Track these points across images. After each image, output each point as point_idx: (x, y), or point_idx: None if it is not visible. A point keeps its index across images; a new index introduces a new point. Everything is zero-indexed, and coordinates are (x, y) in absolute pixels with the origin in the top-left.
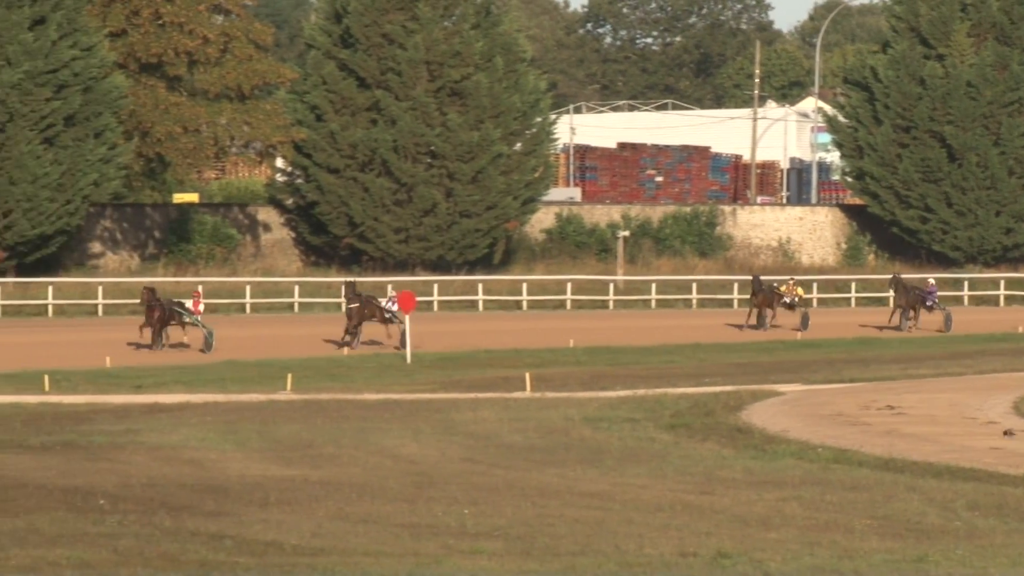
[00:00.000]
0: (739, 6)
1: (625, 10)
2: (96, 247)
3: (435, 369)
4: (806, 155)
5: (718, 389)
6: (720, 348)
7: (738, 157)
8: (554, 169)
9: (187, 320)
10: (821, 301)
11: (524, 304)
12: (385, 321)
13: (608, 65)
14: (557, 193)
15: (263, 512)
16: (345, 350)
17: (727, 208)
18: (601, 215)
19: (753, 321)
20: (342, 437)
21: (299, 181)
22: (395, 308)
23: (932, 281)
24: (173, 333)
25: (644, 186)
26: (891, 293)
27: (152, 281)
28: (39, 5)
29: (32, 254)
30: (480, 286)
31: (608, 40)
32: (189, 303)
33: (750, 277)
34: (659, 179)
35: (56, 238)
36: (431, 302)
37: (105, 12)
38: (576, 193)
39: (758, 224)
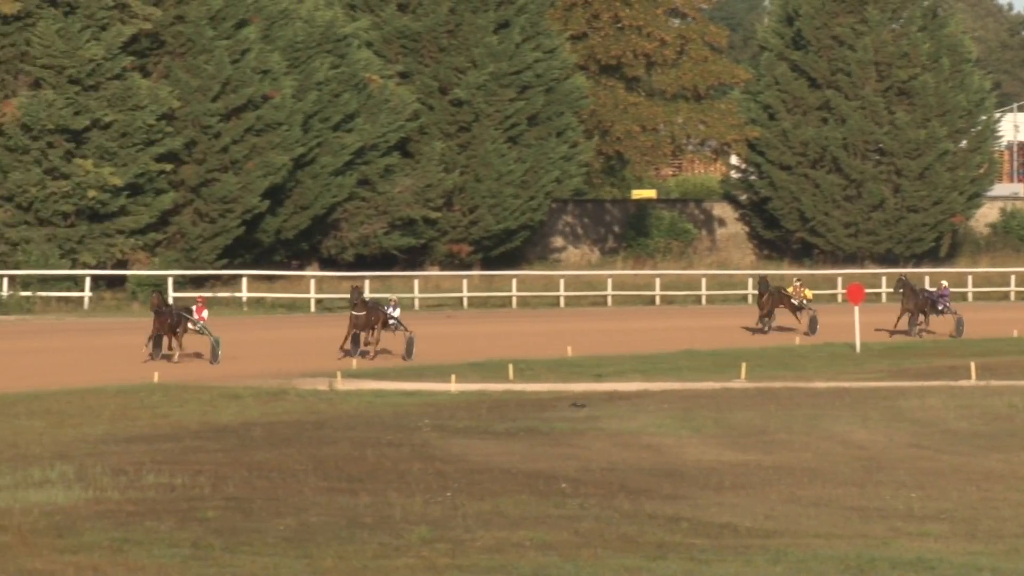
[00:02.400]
0: None
1: None
2: (558, 241)
3: (883, 358)
4: None
5: None
6: None
7: None
8: (998, 165)
9: (194, 328)
10: None
11: (969, 296)
12: (390, 329)
13: None
14: (1001, 189)
15: (718, 495)
16: (354, 362)
17: None
18: None
19: (760, 324)
20: (793, 423)
21: (753, 178)
22: (398, 314)
23: (945, 283)
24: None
25: None
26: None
27: (612, 275)
28: (504, 9)
29: (496, 248)
30: (927, 278)
31: None
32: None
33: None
34: None
35: (520, 233)
36: (879, 294)
37: (566, 16)
38: (1020, 189)
39: None
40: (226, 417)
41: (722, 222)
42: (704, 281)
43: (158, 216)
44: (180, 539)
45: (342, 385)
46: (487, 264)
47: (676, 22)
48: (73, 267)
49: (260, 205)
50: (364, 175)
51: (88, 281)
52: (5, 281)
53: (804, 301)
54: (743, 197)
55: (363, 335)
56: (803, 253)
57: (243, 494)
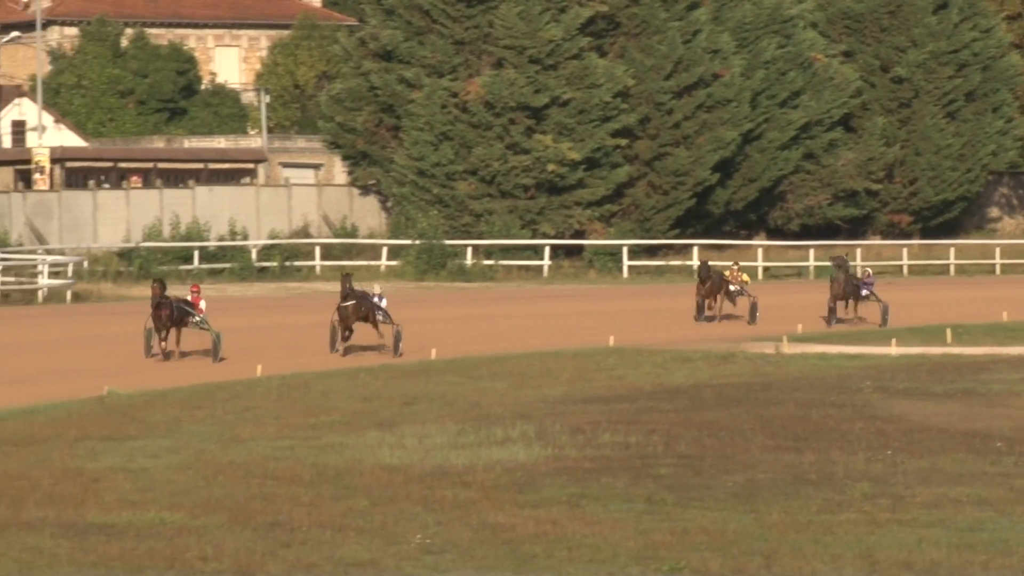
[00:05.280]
0: None
1: None
2: (994, 212)
3: None
4: None
5: None
6: None
7: None
8: None
9: (195, 321)
10: None
11: None
12: (379, 322)
13: None
14: None
15: None
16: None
17: None
18: None
19: (710, 312)
20: None
21: None
22: (384, 305)
23: (869, 271)
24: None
25: None
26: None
27: None
28: None
29: (935, 218)
30: None
31: None
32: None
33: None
34: None
35: (957, 204)
36: None
37: None
38: None
39: None
40: (678, 379)
41: None
42: None
43: (613, 189)
44: (634, 494)
45: (788, 349)
46: (926, 234)
47: None
48: (533, 237)
49: (710, 178)
50: (809, 149)
51: (547, 250)
52: (469, 250)
53: (742, 286)
54: None
55: (341, 329)
56: None
57: (693, 452)
